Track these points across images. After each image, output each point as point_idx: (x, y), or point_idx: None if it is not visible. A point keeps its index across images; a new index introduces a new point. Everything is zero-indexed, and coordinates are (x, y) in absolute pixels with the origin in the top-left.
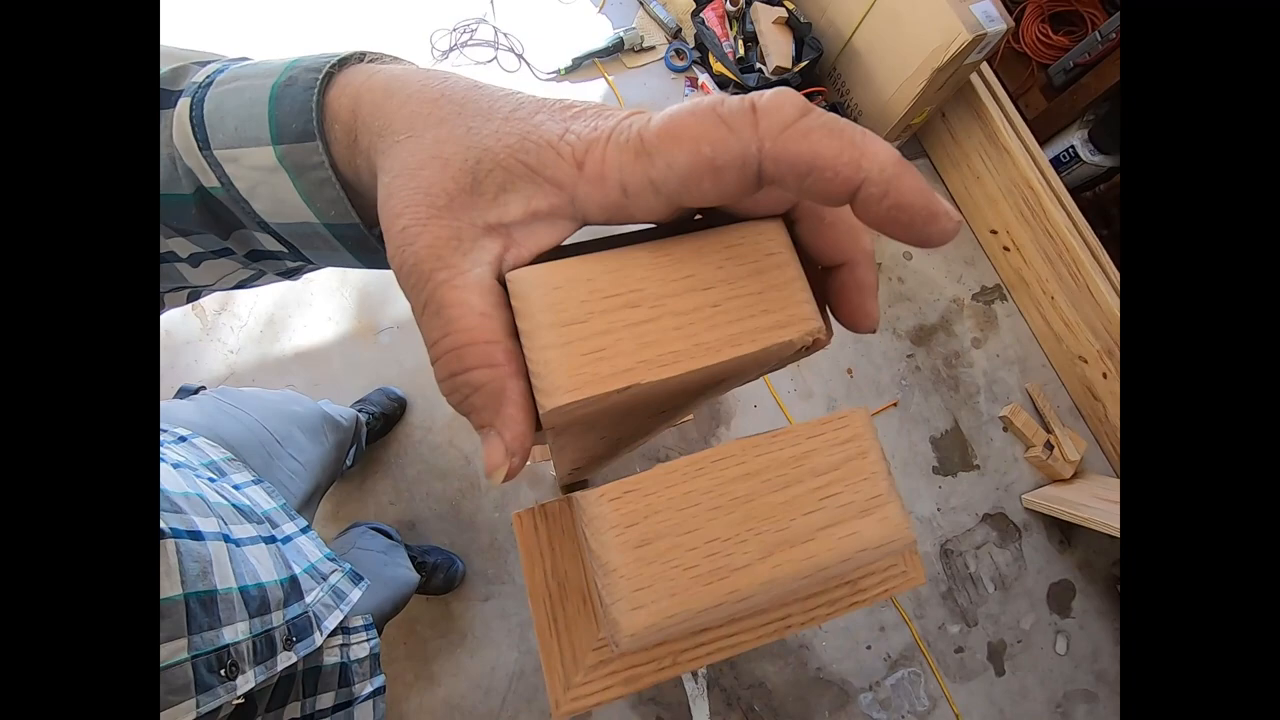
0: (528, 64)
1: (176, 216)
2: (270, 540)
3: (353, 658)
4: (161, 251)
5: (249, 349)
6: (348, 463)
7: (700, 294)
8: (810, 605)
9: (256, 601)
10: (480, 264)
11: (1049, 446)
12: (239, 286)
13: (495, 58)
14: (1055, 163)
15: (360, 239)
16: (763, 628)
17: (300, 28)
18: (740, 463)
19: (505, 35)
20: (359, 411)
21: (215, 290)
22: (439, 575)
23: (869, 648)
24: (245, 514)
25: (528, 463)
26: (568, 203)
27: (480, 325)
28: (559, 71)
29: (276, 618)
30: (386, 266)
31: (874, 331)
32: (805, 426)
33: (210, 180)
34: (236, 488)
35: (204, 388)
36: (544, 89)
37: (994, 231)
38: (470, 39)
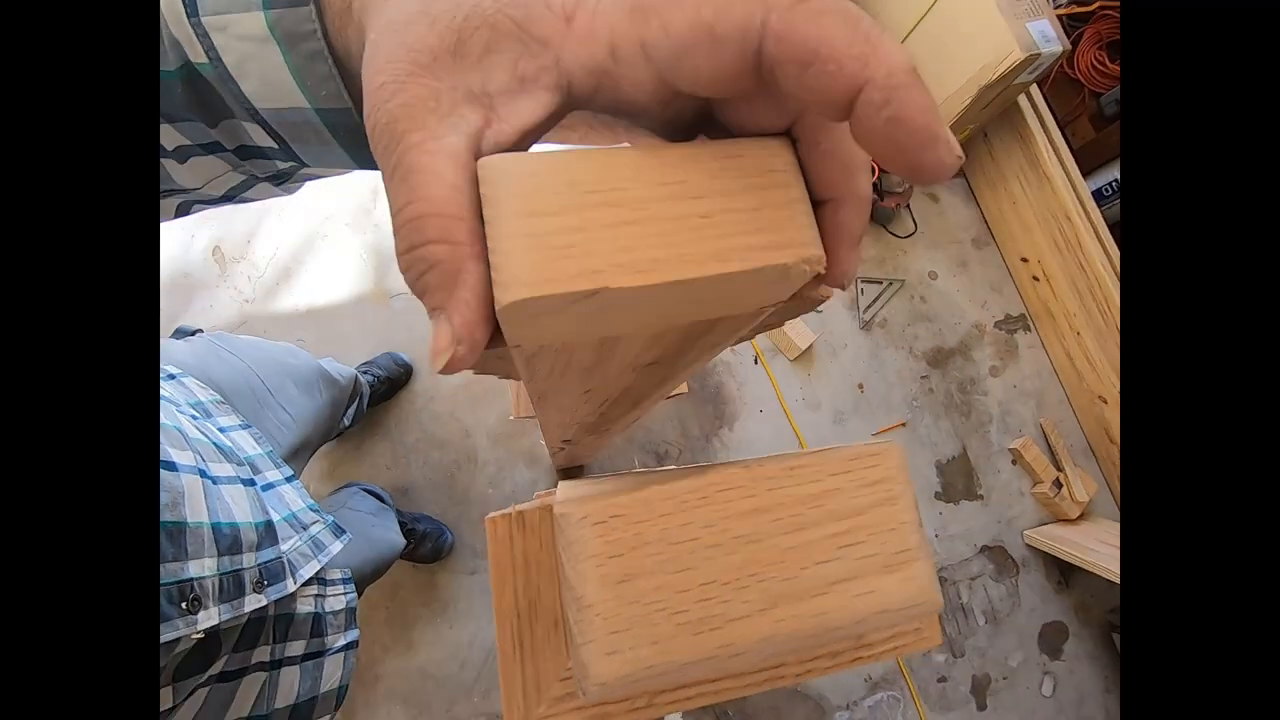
0: None
1: (162, 98)
2: (249, 483)
3: (327, 609)
4: None
5: (263, 300)
6: (346, 422)
7: (690, 202)
8: (808, 657)
9: (228, 540)
10: (457, 132)
11: (1057, 485)
12: (227, 197)
13: None
14: (1097, 195)
15: (352, 128)
16: (752, 676)
17: None
18: (749, 495)
19: None
20: (364, 373)
21: (204, 199)
22: (427, 544)
23: None
24: (226, 454)
25: (517, 414)
26: (553, 64)
27: (446, 197)
28: None
29: (248, 559)
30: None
31: (844, 288)
32: (830, 460)
33: (198, 54)
34: (222, 430)
35: (201, 331)
36: None
37: (1025, 259)
38: None
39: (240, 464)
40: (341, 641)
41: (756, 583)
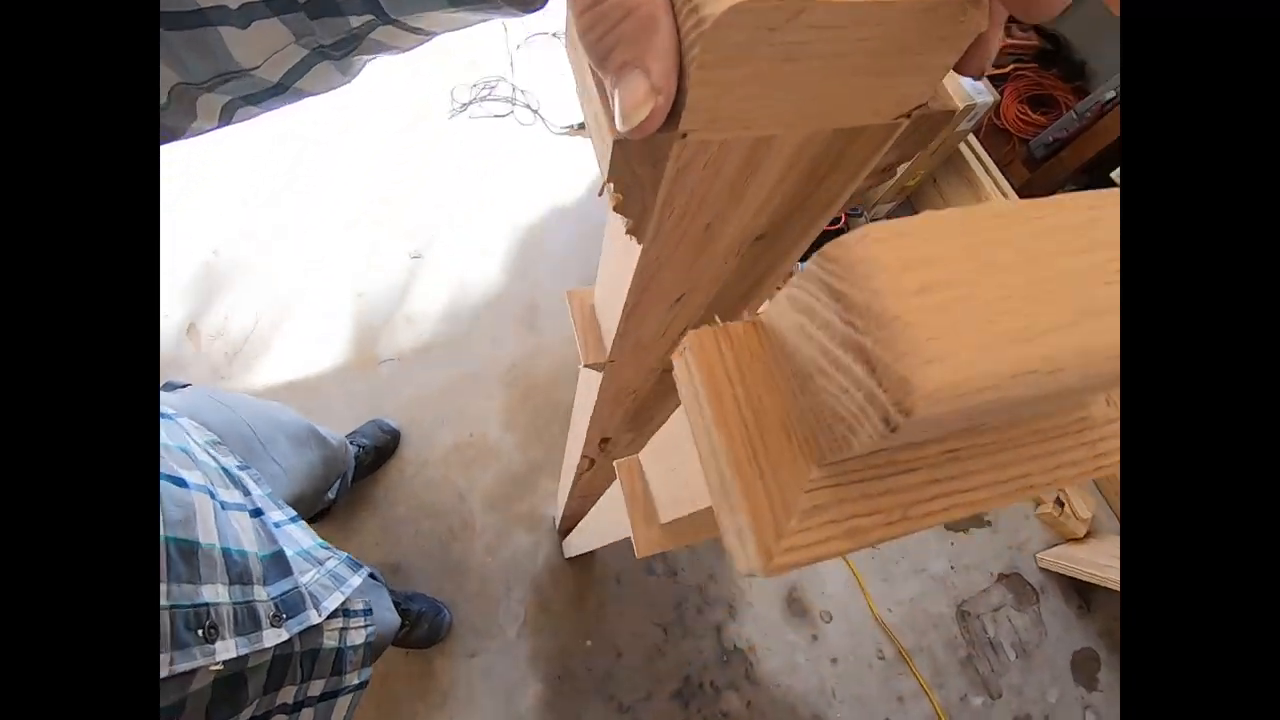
0: (543, 119)
1: None
2: (256, 514)
3: (349, 643)
4: (207, 5)
5: (241, 374)
6: (330, 496)
7: None
8: (1052, 465)
9: (239, 568)
10: None
11: (1059, 503)
12: (280, 87)
13: (512, 112)
14: None
15: None
16: (1002, 484)
17: None
18: (1022, 220)
19: (522, 92)
20: (350, 443)
21: (254, 92)
22: (423, 625)
23: (887, 719)
24: (234, 481)
25: (585, 361)
26: None
27: None
28: (572, 126)
29: (259, 592)
30: (481, 5)
31: (978, 76)
32: (1079, 196)
33: None
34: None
35: (190, 384)
36: (557, 143)
37: None
38: (489, 94)
39: (246, 493)
40: (355, 680)
41: (1057, 299)
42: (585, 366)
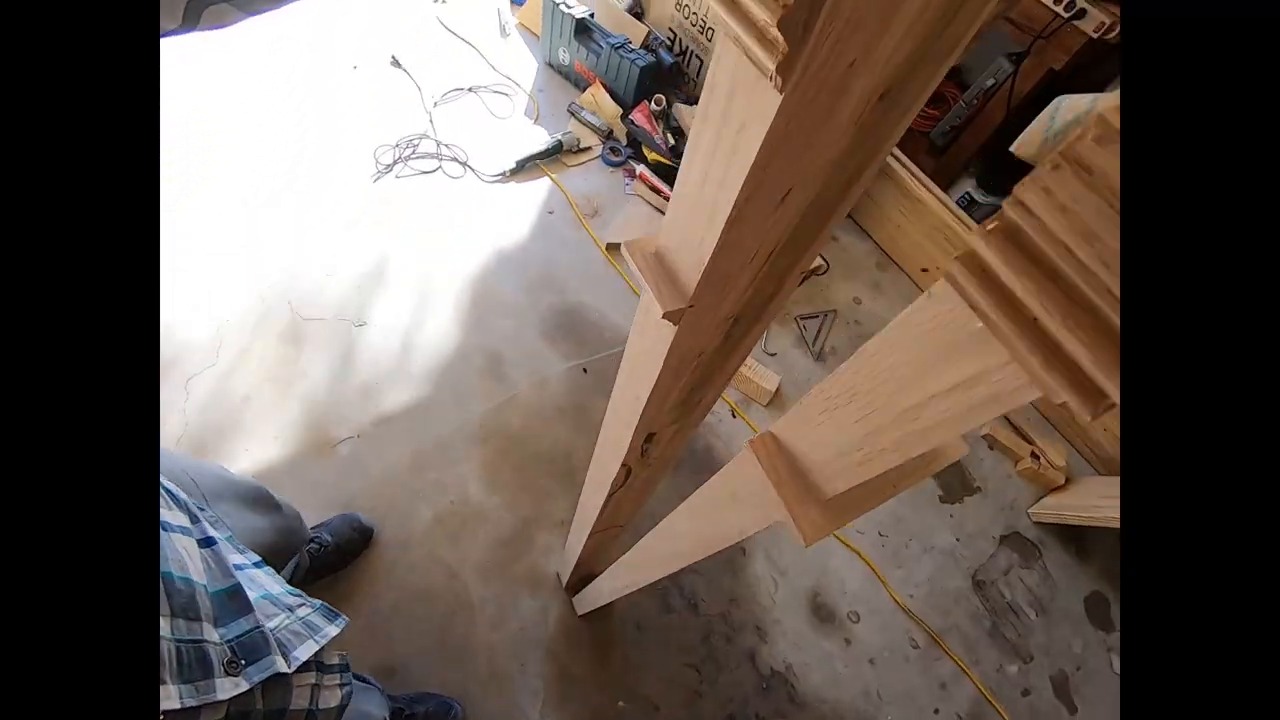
0: (473, 170)
1: None
2: (207, 543)
3: (321, 705)
4: None
5: None
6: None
7: None
8: None
9: (183, 598)
10: None
11: (1035, 457)
12: None
13: (440, 167)
14: (959, 205)
15: None
16: None
17: (251, 142)
18: None
19: (447, 146)
20: (312, 539)
21: None
22: None
23: (937, 711)
24: (178, 504)
25: (665, 311)
26: None
27: None
28: (505, 173)
29: (209, 632)
30: None
31: None
32: None
33: None
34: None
35: None
36: (491, 192)
37: (925, 270)
38: (413, 153)
39: (194, 520)
40: None
41: None
42: (663, 317)
